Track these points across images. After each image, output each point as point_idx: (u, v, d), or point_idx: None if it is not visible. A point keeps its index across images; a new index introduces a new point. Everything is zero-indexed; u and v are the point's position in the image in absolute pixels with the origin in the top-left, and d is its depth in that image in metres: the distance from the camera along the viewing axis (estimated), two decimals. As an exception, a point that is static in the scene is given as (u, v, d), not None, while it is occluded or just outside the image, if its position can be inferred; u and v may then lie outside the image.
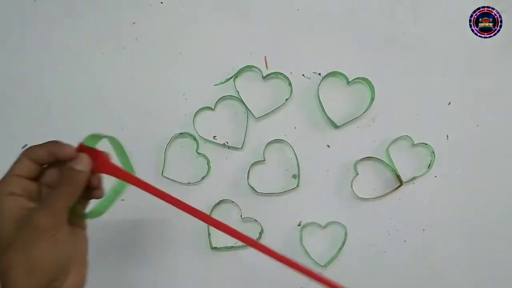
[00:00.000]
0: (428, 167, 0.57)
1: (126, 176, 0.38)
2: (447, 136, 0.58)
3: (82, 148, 0.36)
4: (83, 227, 0.39)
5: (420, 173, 0.57)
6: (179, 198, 0.58)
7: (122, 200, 0.58)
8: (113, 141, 0.39)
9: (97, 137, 0.37)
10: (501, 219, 0.56)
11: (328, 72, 0.59)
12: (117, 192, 0.40)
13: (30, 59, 0.62)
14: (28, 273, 0.32)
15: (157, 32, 0.62)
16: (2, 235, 0.33)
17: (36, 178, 0.36)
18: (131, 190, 0.58)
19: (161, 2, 0.63)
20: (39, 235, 0.32)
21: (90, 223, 0.40)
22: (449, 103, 0.59)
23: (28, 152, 0.36)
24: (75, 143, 0.63)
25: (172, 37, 0.62)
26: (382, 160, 0.57)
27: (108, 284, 0.40)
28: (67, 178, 0.35)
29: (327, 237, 0.56)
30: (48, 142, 0.36)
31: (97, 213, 0.39)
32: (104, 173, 0.38)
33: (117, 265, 0.38)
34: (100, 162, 0.37)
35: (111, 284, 0.55)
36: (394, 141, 0.57)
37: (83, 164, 0.35)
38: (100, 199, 0.39)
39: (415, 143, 0.57)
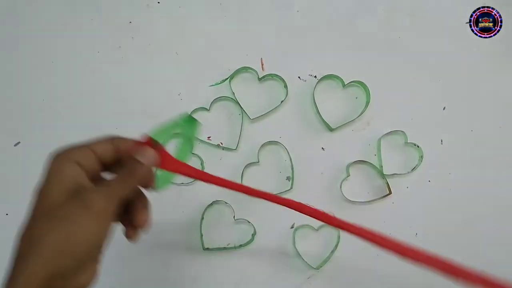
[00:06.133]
0: (412, 170, 0.57)
1: (191, 172, 0.38)
2: (442, 140, 0.58)
3: (148, 142, 0.36)
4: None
5: (402, 172, 0.57)
6: (173, 198, 0.58)
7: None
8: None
9: (169, 129, 0.37)
10: (494, 224, 0.56)
11: (324, 75, 0.59)
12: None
13: (25, 57, 0.62)
14: (59, 250, 0.29)
15: (154, 32, 0.62)
16: (48, 200, 0.31)
17: (103, 166, 0.35)
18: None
19: (158, 2, 0.63)
20: (85, 212, 0.31)
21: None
22: (443, 108, 0.59)
23: (113, 139, 0.35)
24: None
25: (169, 37, 0.62)
26: (375, 165, 0.57)
27: (98, 285, 0.40)
28: (130, 169, 0.34)
29: (320, 240, 0.56)
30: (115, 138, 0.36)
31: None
32: (166, 169, 0.37)
33: (109, 265, 0.38)
34: (163, 158, 0.36)
35: (102, 285, 0.54)
36: (388, 134, 0.57)
37: (148, 158, 0.35)
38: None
39: (408, 141, 0.57)
